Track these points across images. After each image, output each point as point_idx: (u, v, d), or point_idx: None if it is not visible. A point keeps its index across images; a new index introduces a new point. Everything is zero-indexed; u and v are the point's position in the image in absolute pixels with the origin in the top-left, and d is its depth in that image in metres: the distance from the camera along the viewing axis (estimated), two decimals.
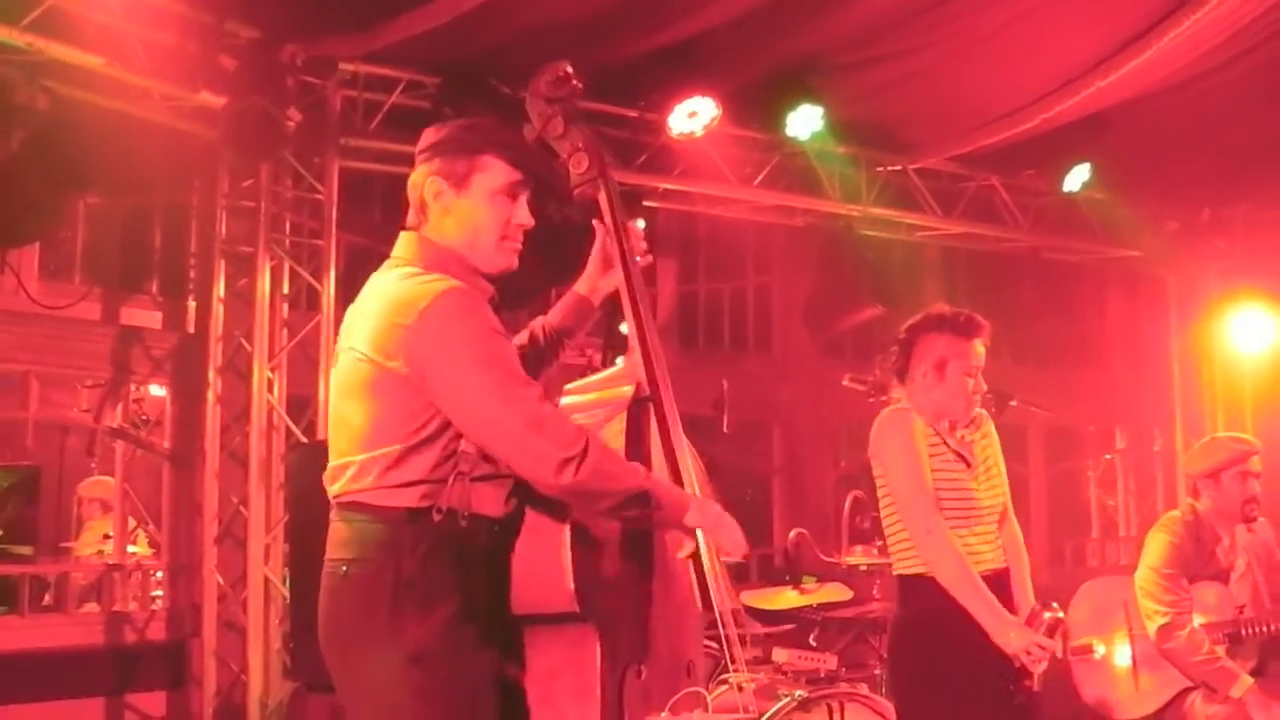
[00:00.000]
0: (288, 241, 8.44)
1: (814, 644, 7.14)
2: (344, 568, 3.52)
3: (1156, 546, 6.50)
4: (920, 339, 5.16)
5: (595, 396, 4.02)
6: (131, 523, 8.76)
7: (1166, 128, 9.53)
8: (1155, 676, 6.34)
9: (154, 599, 8.53)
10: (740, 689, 3.87)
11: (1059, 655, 4.86)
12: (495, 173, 3.68)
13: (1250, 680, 6.09)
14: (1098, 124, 9.49)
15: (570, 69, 4.12)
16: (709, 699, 3.87)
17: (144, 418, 8.82)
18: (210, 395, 8.25)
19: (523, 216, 3.74)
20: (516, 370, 3.53)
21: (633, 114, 9.24)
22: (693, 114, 8.92)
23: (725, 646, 3.90)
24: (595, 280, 4.17)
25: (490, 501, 3.57)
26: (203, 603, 8.15)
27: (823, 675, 6.69)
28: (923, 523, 4.95)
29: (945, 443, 5.07)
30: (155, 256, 9.02)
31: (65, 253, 8.73)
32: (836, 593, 7.08)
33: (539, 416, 3.47)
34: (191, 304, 8.76)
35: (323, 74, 8.28)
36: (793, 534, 7.53)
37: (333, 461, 3.63)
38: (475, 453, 3.52)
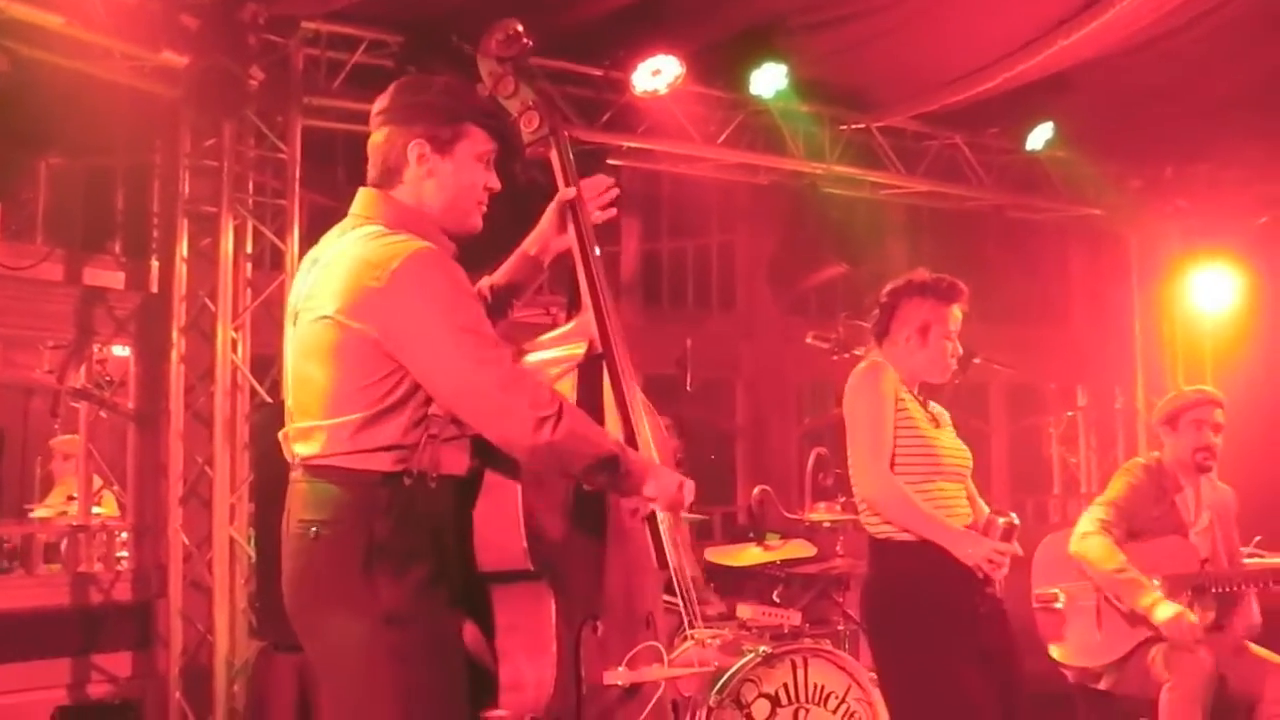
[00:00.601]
0: (251, 201, 8.40)
1: (778, 600, 7.18)
2: (314, 529, 3.52)
3: (1116, 486, 6.68)
4: (903, 303, 5.25)
5: (547, 355, 4.02)
6: (98, 482, 8.75)
7: (1129, 87, 9.55)
8: (1117, 626, 6.39)
9: (119, 559, 8.53)
10: (704, 645, 3.91)
11: (1019, 553, 4.95)
12: (477, 140, 3.75)
13: (1158, 595, 6.20)
14: (1061, 83, 9.51)
15: (520, 28, 4.14)
16: (665, 655, 3.92)
17: (108, 378, 8.80)
18: (174, 355, 8.23)
19: (494, 182, 3.82)
20: (488, 332, 3.56)
21: (597, 72, 9.23)
22: (656, 72, 8.92)
23: (684, 605, 3.97)
24: (547, 239, 4.19)
25: (456, 462, 3.59)
26: (168, 563, 8.15)
27: (786, 631, 6.74)
28: (867, 463, 5.07)
29: (917, 399, 5.16)
30: (118, 216, 8.96)
31: (27, 213, 8.66)
32: (800, 549, 7.14)
33: (512, 377, 3.53)
34: (155, 264, 8.72)
35: (285, 32, 8.23)
36: (756, 491, 7.57)
37: (297, 423, 3.63)
38: (444, 415, 3.54)
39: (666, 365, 7.91)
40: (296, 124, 8.42)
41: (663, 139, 9.75)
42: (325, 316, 3.52)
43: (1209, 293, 11.82)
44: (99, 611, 8.18)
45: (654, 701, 3.91)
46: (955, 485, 5.13)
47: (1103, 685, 6.51)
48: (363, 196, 3.78)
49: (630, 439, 3.89)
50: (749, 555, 7.15)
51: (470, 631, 3.70)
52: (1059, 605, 6.46)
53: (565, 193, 4.13)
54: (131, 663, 8.22)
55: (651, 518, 3.85)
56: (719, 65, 9.31)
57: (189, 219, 8.29)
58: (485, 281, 4.19)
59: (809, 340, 7.40)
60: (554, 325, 5.73)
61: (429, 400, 3.53)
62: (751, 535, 7.33)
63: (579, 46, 8.84)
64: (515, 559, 3.68)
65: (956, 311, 5.23)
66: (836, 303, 10.63)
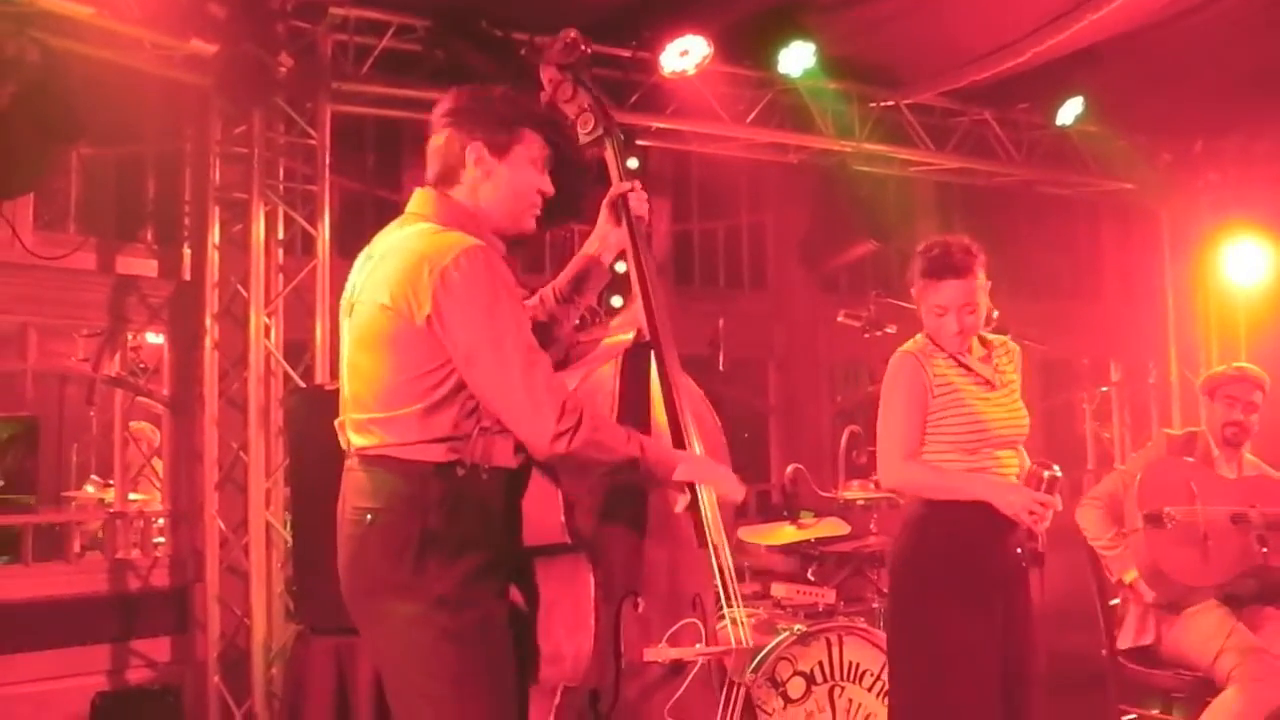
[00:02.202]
0: (281, 187, 8.42)
1: (812, 579, 7.19)
2: (369, 516, 3.65)
3: (1133, 459, 7.02)
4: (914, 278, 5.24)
5: (601, 345, 4.22)
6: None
7: (1159, 60, 9.50)
8: (1221, 553, 6.40)
9: (156, 545, 8.59)
10: (735, 622, 3.96)
11: (1059, 509, 4.91)
12: (533, 145, 3.93)
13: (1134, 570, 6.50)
14: (1091, 57, 9.46)
15: (576, 34, 4.33)
16: (704, 632, 3.98)
17: (142, 366, 8.84)
18: (208, 342, 8.26)
19: (547, 185, 3.99)
20: (526, 336, 3.68)
21: (625, 53, 9.22)
22: (685, 52, 8.90)
23: (721, 584, 4.02)
24: (606, 235, 4.32)
25: (506, 453, 3.73)
26: (205, 548, 8.19)
27: (821, 609, 6.75)
28: (888, 455, 5.08)
29: (965, 366, 5.11)
30: (150, 205, 9.00)
31: (60, 203, 8.72)
32: (834, 527, 7.12)
33: (542, 387, 3.64)
34: (187, 251, 8.75)
35: (313, 18, 8.25)
36: (790, 469, 7.56)
37: (352, 414, 3.77)
38: None
39: (699, 345, 7.91)
40: (325, 110, 8.43)
41: (691, 119, 9.74)
42: (379, 304, 3.66)
43: (1241, 266, 11.74)
44: (137, 597, 8.23)
45: (691, 678, 3.96)
46: (1007, 451, 5.09)
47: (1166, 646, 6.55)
48: (419, 196, 3.93)
49: (675, 423, 4.02)
50: (783, 534, 7.15)
51: (516, 607, 3.82)
52: (1169, 526, 6.43)
53: (619, 187, 4.28)
54: (170, 648, 8.28)
55: (694, 506, 3.94)
56: (747, 44, 9.29)
57: (220, 206, 8.32)
58: (549, 287, 4.33)
59: (840, 319, 7.40)
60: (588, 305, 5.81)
61: None
62: (785, 514, 7.32)
63: (607, 27, 8.82)
64: (554, 532, 3.79)
65: (952, 287, 5.11)
66: (867, 280, 10.62)
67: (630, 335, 4.18)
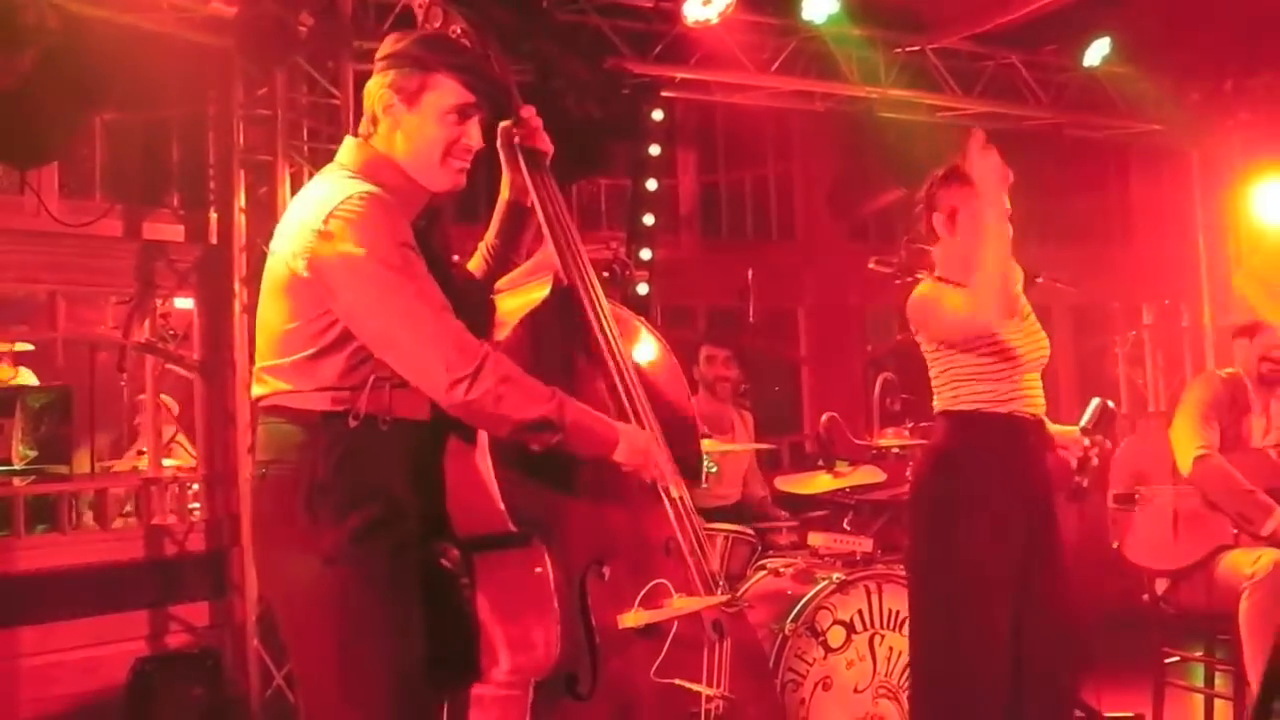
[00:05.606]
0: (306, 148, 8.39)
1: (848, 528, 7.17)
2: (263, 470, 3.51)
3: (1193, 394, 6.67)
4: (936, 195, 5.15)
5: (511, 302, 3.92)
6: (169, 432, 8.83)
7: None
8: (1192, 534, 6.36)
9: (192, 510, 8.59)
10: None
11: (1108, 446, 4.84)
12: (446, 92, 3.62)
13: None
14: None
15: None
16: (691, 574, 3.87)
17: (172, 331, 8.83)
18: (236, 305, 8.25)
19: (473, 138, 3.68)
20: (413, 281, 3.43)
21: (647, 4, 9.16)
22: (708, 1, 8.85)
23: (695, 551, 3.88)
24: (512, 180, 4.09)
25: (414, 405, 3.50)
26: (240, 512, 8.19)
27: (859, 558, 6.72)
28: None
29: None
30: (175, 169, 9.00)
31: (84, 170, 8.75)
32: (870, 475, 7.09)
33: (431, 329, 3.42)
34: (213, 215, 8.73)
35: None
36: (825, 418, 7.51)
37: (255, 365, 3.60)
38: None
39: (728, 297, 7.89)
40: (348, 69, 8.39)
41: (716, 69, 9.67)
42: (276, 252, 3.51)
43: (1274, 206, 11.63)
44: (174, 563, 8.25)
45: (673, 635, 3.83)
46: (1032, 375, 5.02)
47: (1160, 592, 6.50)
48: (345, 144, 3.73)
49: (609, 377, 3.87)
50: (819, 483, 7.12)
51: (455, 600, 3.55)
52: (1136, 507, 6.41)
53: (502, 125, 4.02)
54: (209, 612, 8.30)
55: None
56: None
57: (245, 169, 8.30)
58: (482, 245, 4.12)
59: (871, 265, 7.31)
60: (615, 259, 5.69)
61: None
62: (820, 463, 7.30)
63: None
64: (497, 523, 3.58)
65: None
66: (897, 227, 10.58)
67: (546, 287, 3.90)
